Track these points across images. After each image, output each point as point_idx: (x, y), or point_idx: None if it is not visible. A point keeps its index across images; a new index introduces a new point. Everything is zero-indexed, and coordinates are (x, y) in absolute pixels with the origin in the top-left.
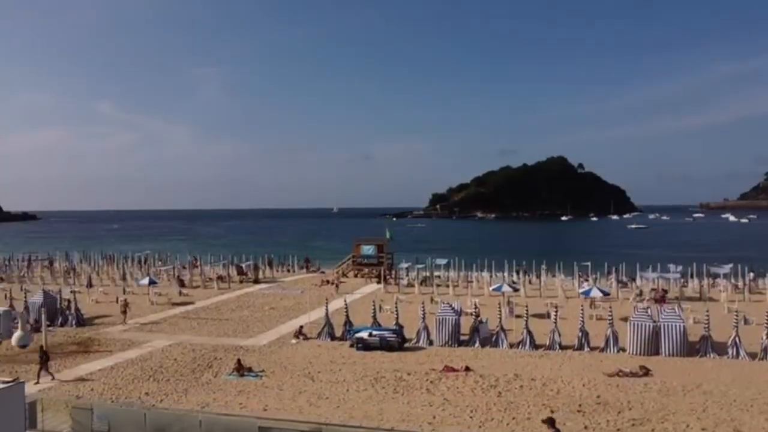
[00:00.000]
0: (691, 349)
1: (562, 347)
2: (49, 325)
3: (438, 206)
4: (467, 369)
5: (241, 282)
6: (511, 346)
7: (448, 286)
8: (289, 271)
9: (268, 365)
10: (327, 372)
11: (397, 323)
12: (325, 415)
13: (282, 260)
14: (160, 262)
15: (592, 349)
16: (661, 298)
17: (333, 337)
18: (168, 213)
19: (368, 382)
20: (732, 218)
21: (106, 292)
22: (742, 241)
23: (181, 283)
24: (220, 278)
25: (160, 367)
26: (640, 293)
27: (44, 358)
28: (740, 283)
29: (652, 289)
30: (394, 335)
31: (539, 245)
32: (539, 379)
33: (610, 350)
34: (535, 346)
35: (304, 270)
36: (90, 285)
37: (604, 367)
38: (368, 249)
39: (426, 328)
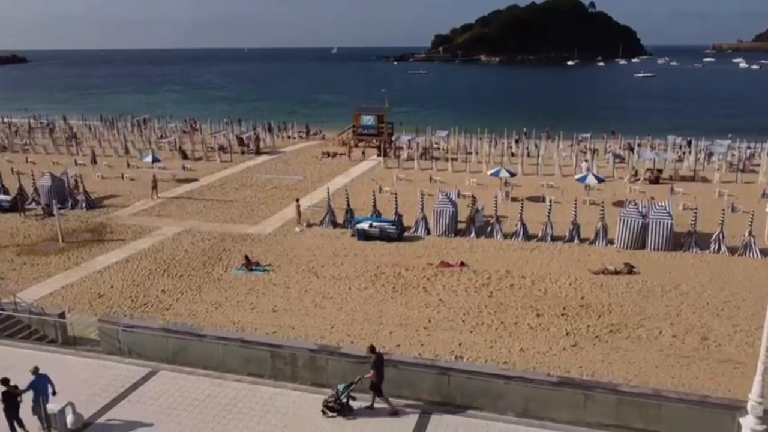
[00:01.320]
0: (676, 243)
1: (554, 239)
2: (60, 208)
3: (440, 49)
4: (462, 264)
5: (242, 153)
6: (506, 236)
7: (447, 159)
8: (289, 137)
9: (275, 257)
10: (330, 266)
11: (396, 212)
12: (329, 317)
13: (282, 126)
14: (159, 131)
15: (582, 241)
16: (655, 179)
17: (335, 224)
18: (163, 53)
19: (369, 278)
20: (743, 64)
21: (111, 165)
22: (747, 95)
23: (184, 155)
24: (221, 149)
25: (173, 259)
26: (635, 173)
27: None
28: (736, 158)
29: (648, 170)
30: (393, 227)
31: (541, 100)
32: (529, 276)
33: (599, 243)
34: (528, 237)
35: (305, 136)
36: (94, 161)
37: (591, 263)
38: (368, 119)
39: (424, 218)
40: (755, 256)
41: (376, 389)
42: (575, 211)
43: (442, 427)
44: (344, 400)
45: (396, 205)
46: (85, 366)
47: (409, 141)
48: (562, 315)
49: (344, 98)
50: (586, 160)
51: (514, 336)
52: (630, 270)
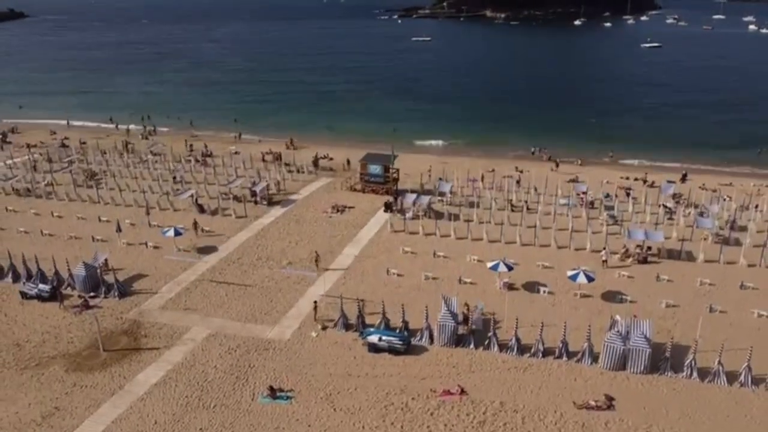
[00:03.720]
0: (653, 366)
1: (545, 354)
2: (94, 296)
3: (445, 4)
4: (462, 392)
5: (255, 204)
6: (501, 348)
7: (450, 218)
8: (299, 171)
9: (296, 379)
10: (345, 393)
11: (402, 319)
12: None
13: (291, 145)
14: (175, 171)
15: (570, 356)
16: (644, 259)
17: (347, 327)
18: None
19: (379, 412)
20: (753, 26)
21: (133, 222)
22: (756, 79)
23: (200, 209)
24: (235, 198)
25: (205, 380)
26: (626, 251)
27: None
28: (725, 216)
29: (637, 246)
30: (401, 341)
31: (539, 98)
32: (520, 411)
33: (585, 361)
34: (521, 351)
35: (314, 169)
36: (119, 230)
37: (577, 392)
38: (375, 168)
39: (429, 327)
40: (722, 384)
41: None
42: (565, 329)
43: None
44: None
45: (403, 312)
46: None
47: (414, 202)
48: None
49: (348, 84)
50: (582, 198)
51: None
52: (609, 404)
